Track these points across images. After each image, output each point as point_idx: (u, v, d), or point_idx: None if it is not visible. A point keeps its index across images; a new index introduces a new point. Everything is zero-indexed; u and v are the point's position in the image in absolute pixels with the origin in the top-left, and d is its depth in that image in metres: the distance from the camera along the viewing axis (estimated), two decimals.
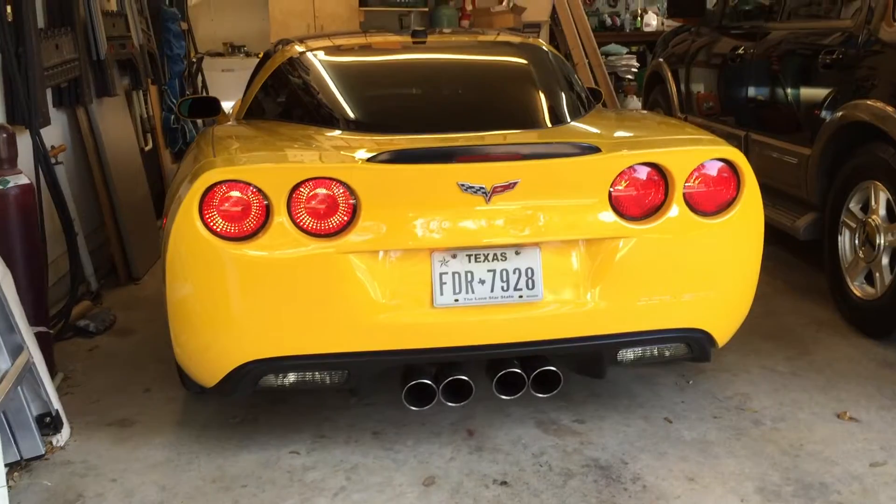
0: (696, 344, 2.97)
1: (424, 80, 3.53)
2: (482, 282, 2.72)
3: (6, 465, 2.82)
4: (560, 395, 3.32)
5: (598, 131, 3.14)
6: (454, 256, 2.71)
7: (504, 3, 8.80)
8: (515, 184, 2.63)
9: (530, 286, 2.74)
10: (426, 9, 8.95)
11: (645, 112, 3.66)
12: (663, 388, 3.44)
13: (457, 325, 2.72)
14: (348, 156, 2.66)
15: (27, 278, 3.48)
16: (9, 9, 3.81)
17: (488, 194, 2.62)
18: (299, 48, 3.70)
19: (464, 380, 2.79)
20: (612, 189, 2.74)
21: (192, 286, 2.68)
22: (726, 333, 3.08)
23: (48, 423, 2.99)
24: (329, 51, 3.68)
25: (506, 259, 2.74)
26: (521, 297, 2.74)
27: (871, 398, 3.33)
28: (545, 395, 2.92)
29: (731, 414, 3.23)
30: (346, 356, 2.73)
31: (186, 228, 2.60)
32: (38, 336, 3.35)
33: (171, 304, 2.74)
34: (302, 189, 2.61)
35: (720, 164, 2.82)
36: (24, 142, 3.98)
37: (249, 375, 2.75)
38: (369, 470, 2.86)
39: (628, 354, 2.92)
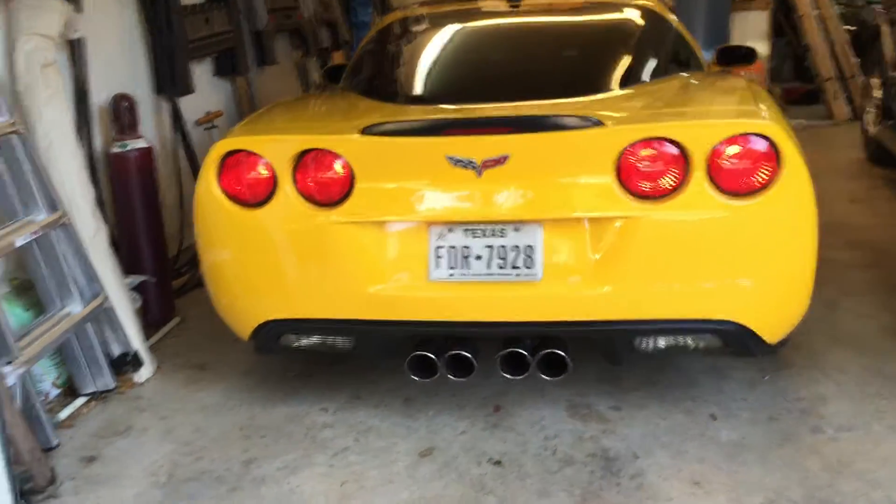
0: (731, 338, 2.68)
1: (492, 49, 3.43)
2: (479, 257, 2.66)
3: (85, 395, 3.27)
4: (611, 379, 3.20)
5: (642, 100, 2.89)
6: (451, 231, 2.67)
7: None
8: (506, 158, 2.53)
9: (529, 265, 2.63)
10: None
11: (740, 79, 3.27)
12: (730, 382, 3.15)
13: (451, 299, 2.69)
14: (345, 128, 2.70)
15: (145, 232, 3.93)
16: None
17: (478, 168, 2.55)
18: (390, 19, 3.77)
19: (465, 355, 2.76)
20: (621, 165, 2.54)
21: (217, 248, 2.88)
22: (774, 330, 2.75)
23: (128, 362, 3.39)
24: (414, 21, 3.69)
25: (504, 235, 2.65)
26: (518, 275, 2.64)
27: None
28: (553, 379, 2.79)
29: (792, 417, 2.89)
30: (350, 323, 2.80)
31: (207, 194, 2.80)
32: (147, 284, 3.80)
33: (202, 263, 2.97)
34: (306, 160, 2.70)
35: (754, 139, 2.49)
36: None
37: (270, 333, 2.91)
38: (379, 434, 2.94)
39: (648, 343, 2.71)
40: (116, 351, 3.38)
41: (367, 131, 2.63)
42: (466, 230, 2.66)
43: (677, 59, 3.47)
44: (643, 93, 3.00)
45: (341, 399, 3.19)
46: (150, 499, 2.63)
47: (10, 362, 2.68)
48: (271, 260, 2.80)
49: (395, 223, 2.69)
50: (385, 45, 3.62)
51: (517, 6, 3.70)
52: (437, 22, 3.68)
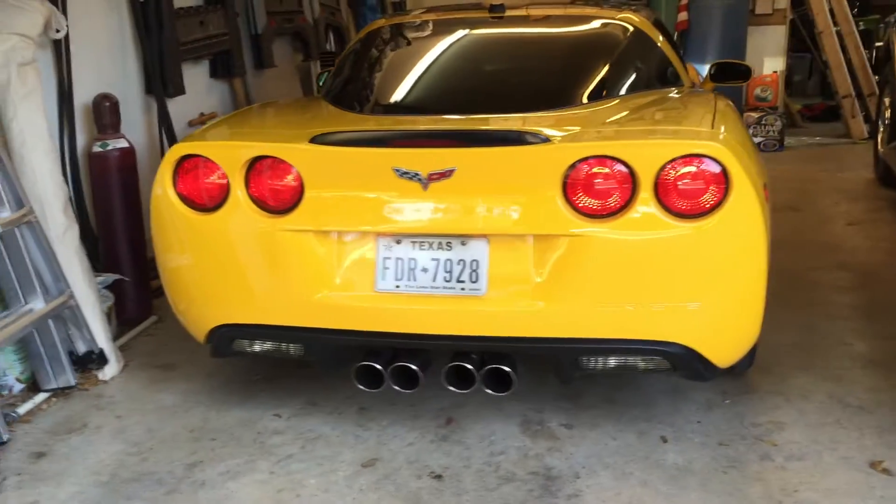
0: (678, 360, 2.64)
1: (460, 61, 3.43)
2: (425, 270, 2.65)
3: (46, 391, 3.30)
4: (571, 395, 3.18)
5: (601, 117, 2.87)
6: (399, 242, 2.67)
7: None
8: (452, 171, 2.52)
9: (474, 279, 2.62)
10: None
11: (710, 97, 3.22)
12: (688, 404, 3.11)
13: (397, 311, 2.68)
14: (297, 136, 2.70)
15: (124, 231, 3.97)
16: None
17: (424, 181, 2.54)
18: (371, 27, 3.77)
19: (411, 367, 2.75)
20: (567, 182, 2.51)
21: (171, 251, 2.90)
22: (724, 354, 2.71)
23: (93, 360, 3.42)
24: (390, 31, 3.70)
25: (451, 249, 2.63)
26: (463, 289, 2.63)
27: None
28: (499, 394, 2.77)
29: (745, 443, 2.84)
30: (299, 330, 2.80)
31: (162, 197, 2.82)
32: (124, 283, 3.83)
33: (159, 266, 2.99)
34: (258, 167, 2.71)
35: (701, 161, 2.45)
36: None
37: (223, 338, 2.93)
38: (328, 442, 2.93)
39: (595, 362, 2.68)
40: (82, 348, 3.41)
41: (315, 140, 2.63)
42: (414, 242, 2.65)
43: (652, 75, 3.44)
44: (605, 109, 2.97)
45: (297, 405, 3.20)
46: (88, 497, 2.65)
47: None
48: (223, 265, 2.81)
49: (345, 233, 2.69)
50: (360, 54, 3.63)
51: (500, 16, 3.69)
52: (414, 32, 3.68)
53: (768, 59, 8.57)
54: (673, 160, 2.45)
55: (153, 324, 4.07)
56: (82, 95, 4.00)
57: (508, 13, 3.70)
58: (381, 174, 2.56)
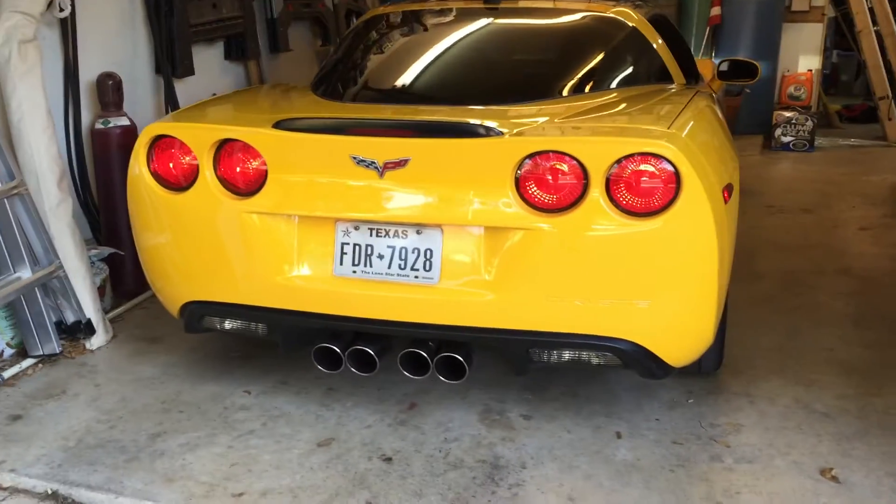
0: (628, 357, 2.65)
1: (439, 52, 3.44)
2: (381, 257, 2.70)
3: (33, 357, 3.44)
4: (536, 387, 3.21)
5: (565, 111, 2.88)
6: (357, 228, 2.72)
7: None
8: (406, 161, 2.56)
9: (427, 268, 2.66)
10: None
11: (689, 96, 3.21)
12: (651, 402, 3.12)
13: (353, 296, 2.73)
14: (262, 121, 2.76)
15: (124, 206, 4.05)
16: None
17: (380, 169, 2.58)
18: (367, 16, 3.82)
19: (367, 351, 2.81)
20: (519, 176, 2.54)
21: (146, 228, 2.99)
22: (676, 353, 2.71)
23: (80, 329, 3.55)
24: (381, 20, 3.74)
25: (406, 237, 2.68)
26: (416, 277, 2.67)
27: (884, 459, 2.72)
28: (451, 382, 2.81)
29: (698, 443, 2.84)
30: (262, 310, 2.87)
31: (137, 176, 2.91)
32: (122, 256, 3.96)
33: (136, 243, 3.09)
34: (226, 149, 2.78)
35: (653, 160, 2.45)
36: (181, 89, 4.65)
37: (194, 314, 3.02)
38: (289, 421, 3.01)
39: (545, 355, 2.70)
40: (70, 318, 3.54)
41: (278, 125, 2.69)
42: (371, 229, 2.70)
43: (637, 72, 3.43)
44: (575, 104, 2.98)
45: (268, 383, 3.28)
46: (52, 460, 2.76)
47: None
48: (193, 243, 2.90)
49: (305, 217, 2.75)
50: (350, 42, 3.68)
51: (495, 7, 3.71)
52: (404, 21, 3.71)
53: (804, 57, 8.40)
54: (624, 158, 2.46)
55: (149, 297, 4.19)
56: (91, 73, 4.12)
57: (504, 4, 3.72)
58: (339, 161, 2.61)
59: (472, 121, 2.64)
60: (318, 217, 2.73)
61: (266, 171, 2.74)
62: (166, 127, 2.84)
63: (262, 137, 2.70)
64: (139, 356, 3.55)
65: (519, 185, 2.54)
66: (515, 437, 2.89)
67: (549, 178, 2.51)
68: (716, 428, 2.94)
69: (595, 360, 2.71)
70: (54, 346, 3.43)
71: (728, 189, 2.71)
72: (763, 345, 3.61)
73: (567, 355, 2.72)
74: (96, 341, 3.60)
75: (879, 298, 4.18)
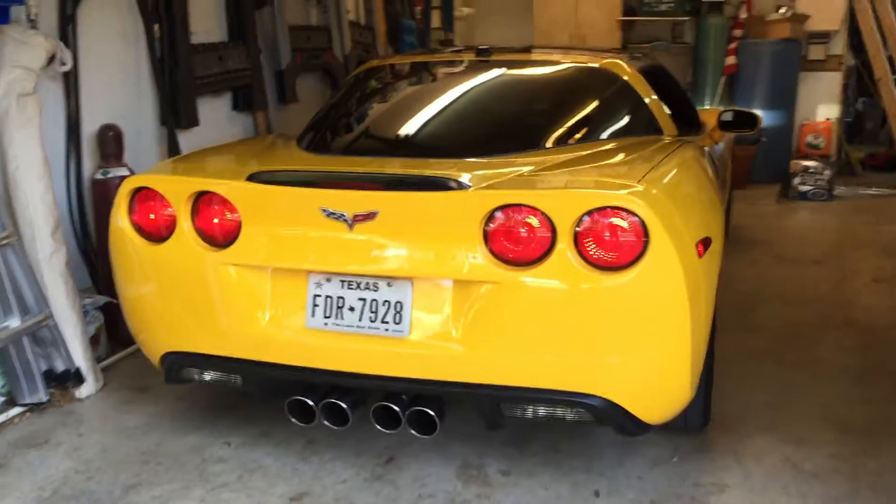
0: (601, 413, 2.59)
1: (418, 105, 3.47)
2: (352, 309, 2.69)
3: (22, 406, 3.47)
4: (518, 441, 3.17)
5: (536, 164, 2.87)
6: (329, 280, 2.72)
7: (783, 10, 7.91)
8: (375, 214, 2.56)
9: (397, 320, 2.65)
10: (688, 17, 8.39)
11: (672, 148, 3.19)
12: (634, 458, 3.05)
13: (325, 348, 2.72)
14: (236, 173, 2.79)
15: None
16: (156, 27, 4.51)
17: (350, 222, 2.59)
18: (361, 69, 3.88)
19: (338, 404, 2.79)
20: (487, 229, 2.53)
21: (126, 278, 3.02)
22: (651, 410, 2.65)
23: (70, 378, 3.57)
24: (369, 73, 3.80)
25: (377, 289, 2.67)
26: (387, 330, 2.66)
27: None
28: (423, 436, 2.78)
29: (677, 503, 2.77)
30: (238, 361, 2.87)
31: (117, 226, 2.95)
32: (118, 305, 3.99)
33: (118, 293, 3.12)
34: (202, 201, 2.82)
35: (621, 213, 2.43)
36: (187, 140, 4.73)
37: (172, 365, 3.02)
38: (265, 474, 2.99)
39: (518, 410, 2.66)
40: (60, 367, 3.57)
41: (251, 178, 2.72)
42: (343, 281, 2.70)
43: (620, 124, 3.42)
44: (549, 156, 2.98)
45: (249, 434, 3.27)
46: None
47: None
48: (170, 294, 2.92)
49: (278, 269, 2.76)
50: (340, 94, 3.73)
51: (487, 60, 3.74)
52: (392, 74, 3.76)
53: (822, 105, 8.34)
54: (591, 211, 2.44)
55: None
56: (95, 125, 4.21)
57: (495, 57, 3.75)
58: (310, 214, 2.62)
59: (440, 174, 2.64)
60: (290, 269, 2.74)
61: (240, 223, 2.76)
62: (145, 179, 2.89)
63: (235, 190, 2.73)
64: (126, 405, 3.56)
65: (487, 238, 2.53)
66: (491, 493, 2.84)
67: (517, 231, 2.50)
68: (698, 488, 2.87)
69: (569, 416, 2.66)
70: (41, 394, 3.45)
71: (704, 242, 2.67)
72: (756, 400, 3.53)
73: (541, 411, 2.68)
74: (85, 390, 3.62)
75: (885, 352, 4.07)
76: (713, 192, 3.16)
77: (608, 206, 2.43)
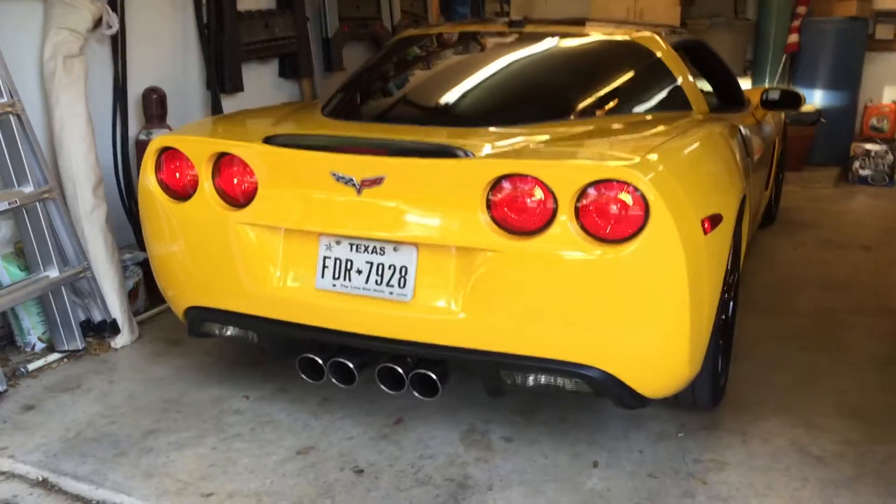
0: (598, 384, 2.62)
1: (444, 74, 3.51)
2: (359, 272, 2.77)
3: (60, 353, 3.66)
4: (526, 410, 3.21)
5: (547, 135, 2.89)
6: (338, 243, 2.79)
7: None
8: (382, 179, 2.62)
9: (402, 284, 2.71)
10: None
11: (697, 121, 3.16)
12: (639, 433, 3.07)
13: (333, 309, 2.80)
14: (254, 136, 2.88)
15: None
16: None
17: (358, 186, 2.66)
18: (395, 38, 3.93)
19: (345, 364, 2.88)
20: (490, 198, 2.57)
21: (153, 235, 3.15)
22: (650, 384, 2.67)
23: (106, 329, 3.75)
24: (402, 42, 3.84)
25: (384, 253, 2.74)
26: (391, 293, 2.72)
27: None
28: (426, 398, 2.85)
29: (674, 478, 2.78)
30: (252, 318, 2.98)
31: (145, 185, 3.08)
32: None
33: (147, 250, 3.25)
34: (222, 162, 2.92)
35: (622, 186, 2.44)
36: (232, 104, 4.86)
37: (194, 319, 3.15)
38: (276, 427, 3.10)
39: (517, 378, 2.71)
40: (97, 317, 3.75)
41: (266, 141, 2.80)
42: (351, 244, 2.78)
43: (646, 98, 3.40)
44: (567, 128, 2.99)
45: (268, 389, 3.39)
46: (49, 449, 2.94)
47: None
48: (193, 250, 3.03)
49: (291, 230, 2.84)
50: (371, 61, 3.79)
51: (520, 32, 3.76)
52: (423, 43, 3.79)
53: (888, 87, 8.06)
54: (592, 183, 2.45)
55: None
56: (141, 87, 4.36)
57: (527, 29, 3.76)
58: (320, 177, 2.70)
59: (445, 142, 2.68)
60: (302, 230, 2.83)
61: (257, 184, 2.85)
62: (170, 140, 3.00)
63: (251, 151, 2.82)
64: (157, 357, 3.72)
65: (490, 206, 2.57)
66: (491, 458, 2.90)
67: (519, 200, 2.53)
68: (698, 464, 2.87)
69: (568, 386, 2.70)
70: (78, 343, 3.63)
71: (712, 219, 2.66)
72: (775, 382, 3.50)
73: (540, 379, 2.72)
74: (120, 341, 3.79)
75: None
76: (732, 170, 3.12)
77: (608, 179, 2.44)
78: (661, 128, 3.03)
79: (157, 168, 3.05)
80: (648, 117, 3.25)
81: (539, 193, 2.52)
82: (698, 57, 4.31)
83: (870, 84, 8.01)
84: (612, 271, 2.49)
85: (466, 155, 2.58)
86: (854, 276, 4.97)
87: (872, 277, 4.95)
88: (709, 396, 3.07)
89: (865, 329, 4.13)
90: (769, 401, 3.33)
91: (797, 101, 4.44)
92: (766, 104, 4.56)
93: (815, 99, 7.89)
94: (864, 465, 2.87)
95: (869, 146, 7.63)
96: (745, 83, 8.05)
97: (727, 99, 4.46)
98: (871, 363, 3.72)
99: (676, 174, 2.57)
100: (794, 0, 7.89)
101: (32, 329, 3.71)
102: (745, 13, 8.49)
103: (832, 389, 3.45)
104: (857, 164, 7.68)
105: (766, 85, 7.84)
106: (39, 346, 3.73)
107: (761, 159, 4.39)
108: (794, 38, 7.85)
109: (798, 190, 7.25)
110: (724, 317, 3.14)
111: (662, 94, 3.47)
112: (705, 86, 4.51)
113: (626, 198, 2.44)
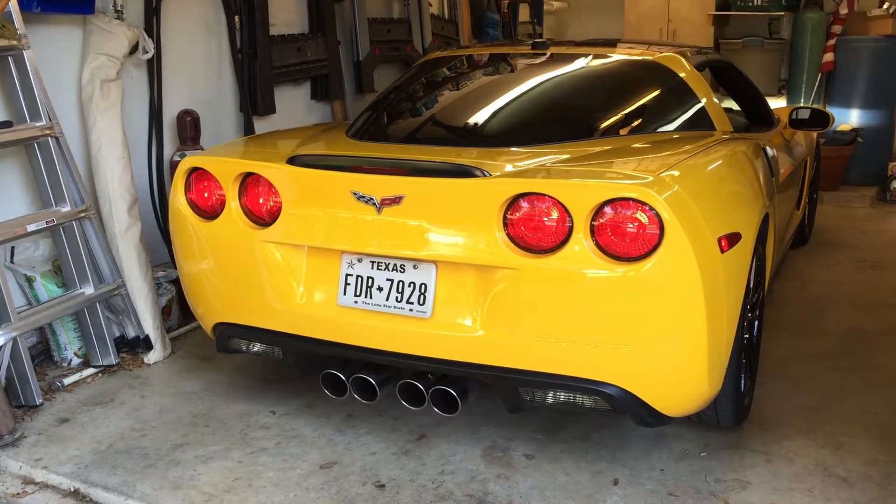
0: (617, 402, 2.64)
1: (463, 97, 3.57)
2: (380, 289, 2.82)
3: (95, 367, 3.76)
4: (550, 428, 3.24)
5: (566, 155, 2.93)
6: (360, 261, 2.85)
7: (886, 6, 7.58)
8: (401, 198, 2.68)
9: (421, 301, 2.76)
10: (785, 13, 8.13)
11: (717, 141, 3.18)
12: (661, 452, 3.06)
13: (354, 325, 2.85)
14: (278, 157, 2.96)
15: None
16: (237, 19, 4.75)
17: (378, 205, 2.72)
18: (418, 61, 4.01)
19: (367, 379, 2.92)
20: (507, 216, 2.61)
21: (183, 252, 3.24)
22: (669, 402, 2.67)
23: (139, 344, 3.85)
24: (426, 65, 3.92)
25: (404, 271, 2.79)
26: (411, 310, 2.77)
27: None
28: (446, 415, 2.88)
29: (695, 497, 2.78)
30: (277, 335, 3.05)
31: (175, 204, 3.17)
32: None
33: (178, 267, 3.35)
34: (248, 182, 3.00)
35: (636, 205, 2.46)
36: (265, 126, 4.98)
37: (222, 335, 3.23)
38: (301, 442, 3.16)
39: (536, 395, 2.73)
40: (131, 333, 3.85)
41: (290, 161, 2.88)
42: (373, 262, 2.83)
43: (668, 118, 3.42)
44: (586, 148, 3.02)
45: (294, 405, 3.45)
46: (81, 460, 3.02)
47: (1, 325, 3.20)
48: (220, 268, 3.12)
49: (314, 248, 2.91)
50: (397, 84, 3.86)
51: (543, 53, 3.81)
52: (447, 66, 3.86)
53: None
54: (607, 202, 2.48)
55: None
56: (176, 110, 4.48)
57: (551, 51, 3.81)
58: (342, 196, 2.77)
59: (463, 161, 2.73)
60: (325, 248, 2.89)
61: (281, 204, 2.93)
62: (199, 161, 3.09)
63: (275, 171, 2.90)
64: (188, 372, 3.81)
65: (507, 225, 2.61)
66: (512, 475, 2.92)
67: (535, 219, 2.57)
68: (720, 484, 2.86)
69: (587, 404, 2.71)
70: (112, 358, 3.73)
71: (730, 238, 2.67)
72: (802, 403, 3.47)
73: (561, 396, 2.74)
74: (153, 356, 3.88)
75: None
76: (753, 188, 3.13)
77: (623, 197, 2.47)
78: (680, 147, 3.05)
79: (187, 188, 3.14)
80: (670, 137, 3.27)
81: (555, 212, 2.55)
82: (725, 77, 4.32)
83: None
84: (627, 289, 2.51)
85: (483, 174, 2.62)
86: (888, 298, 4.90)
87: None
88: (732, 415, 3.06)
89: (894, 350, 4.07)
90: (795, 420, 3.31)
91: (826, 120, 4.43)
92: (795, 123, 4.54)
93: (852, 118, 7.81)
94: (891, 486, 2.83)
95: None
96: (780, 102, 8.01)
97: (756, 118, 4.46)
98: None
99: (692, 192, 2.59)
100: (830, 19, 7.84)
101: (69, 344, 3.82)
102: (779, 33, 8.46)
103: (860, 410, 3.41)
104: (894, 183, 7.57)
105: (802, 104, 7.78)
106: (76, 361, 3.84)
107: (790, 178, 4.37)
108: (829, 57, 7.80)
109: (834, 209, 7.17)
110: (747, 336, 3.13)
111: (684, 114, 3.49)
112: (732, 105, 4.52)
113: (641, 216, 2.47)
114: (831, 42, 7.80)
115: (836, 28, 7.80)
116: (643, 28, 8.39)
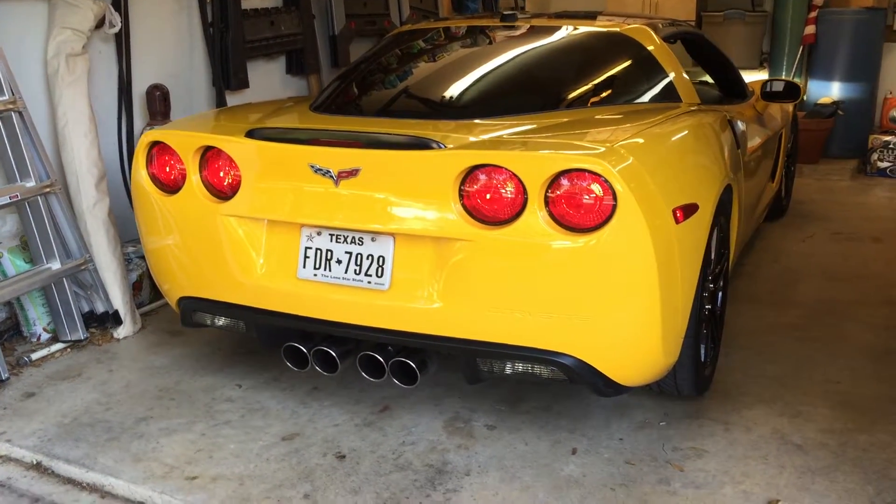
0: (573, 372, 2.66)
1: (428, 68, 3.56)
2: (339, 262, 2.83)
3: (63, 342, 3.77)
4: (513, 399, 3.25)
5: (524, 127, 2.93)
6: (319, 234, 2.86)
7: None
8: (358, 171, 2.68)
9: (379, 274, 2.77)
10: None
11: (680, 112, 3.17)
12: (621, 422, 3.09)
13: (314, 298, 2.86)
14: (237, 130, 2.95)
15: None
16: None
17: (335, 178, 2.72)
18: (391, 33, 3.99)
19: (328, 352, 2.94)
20: (463, 189, 2.61)
21: (146, 227, 3.23)
22: (624, 372, 2.69)
23: (109, 319, 3.86)
24: (394, 39, 3.90)
25: (362, 244, 2.79)
26: (369, 282, 2.78)
27: (842, 496, 2.61)
28: (406, 386, 2.90)
29: (651, 465, 2.81)
30: (240, 308, 3.05)
31: (137, 178, 3.17)
32: None
33: (141, 242, 3.34)
34: (208, 155, 3.00)
35: (589, 176, 2.47)
36: (238, 100, 4.95)
37: (186, 310, 3.24)
38: (265, 415, 3.18)
39: (494, 366, 2.75)
40: (100, 308, 3.86)
41: (248, 134, 2.87)
42: (331, 235, 2.84)
43: (632, 89, 3.41)
44: (546, 120, 3.02)
45: (261, 378, 3.46)
46: (45, 434, 3.03)
47: None
48: (182, 242, 3.11)
49: (274, 221, 2.91)
50: (359, 59, 3.84)
51: (512, 25, 3.80)
52: (413, 39, 3.84)
53: None
54: (560, 173, 2.49)
55: None
56: (146, 85, 4.46)
57: (519, 23, 3.80)
58: (300, 169, 2.76)
59: (417, 133, 2.73)
60: (284, 222, 2.89)
61: (240, 177, 2.93)
62: (159, 134, 3.08)
63: (234, 145, 2.89)
64: (157, 347, 3.82)
65: (462, 197, 2.61)
66: (472, 445, 2.94)
67: (490, 191, 2.57)
68: (677, 452, 2.89)
69: (544, 374, 2.73)
70: (80, 333, 3.74)
71: (686, 209, 2.68)
72: (766, 373, 3.50)
73: (519, 367, 2.75)
74: (123, 331, 3.89)
75: None
76: (714, 160, 3.13)
77: (576, 168, 2.47)
78: (642, 119, 3.05)
79: (149, 162, 3.13)
80: (635, 109, 3.27)
81: (510, 184, 2.55)
82: (697, 49, 4.31)
83: (889, 76, 7.91)
84: (581, 260, 2.52)
85: (439, 146, 2.62)
86: (861, 269, 4.93)
87: (880, 269, 4.91)
88: (692, 385, 3.09)
89: (864, 320, 4.10)
90: (757, 390, 3.34)
91: (797, 92, 4.43)
92: (767, 96, 4.54)
93: (833, 91, 7.81)
94: (845, 454, 2.87)
95: (888, 138, 7.54)
96: (762, 75, 7.99)
97: (729, 91, 4.46)
98: (866, 354, 3.70)
99: (646, 163, 2.59)
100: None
101: (38, 320, 3.83)
102: (761, 5, 8.43)
103: (823, 379, 3.44)
104: (875, 156, 7.58)
105: (783, 77, 7.77)
106: (45, 336, 3.84)
107: (762, 150, 4.37)
108: (810, 29, 7.78)
109: (813, 182, 7.19)
110: (710, 306, 3.15)
111: (651, 86, 3.48)
112: (707, 78, 4.51)
113: (595, 187, 2.47)
114: (813, 14, 7.77)
115: (818, 0, 7.77)
116: (626, 1, 8.34)
